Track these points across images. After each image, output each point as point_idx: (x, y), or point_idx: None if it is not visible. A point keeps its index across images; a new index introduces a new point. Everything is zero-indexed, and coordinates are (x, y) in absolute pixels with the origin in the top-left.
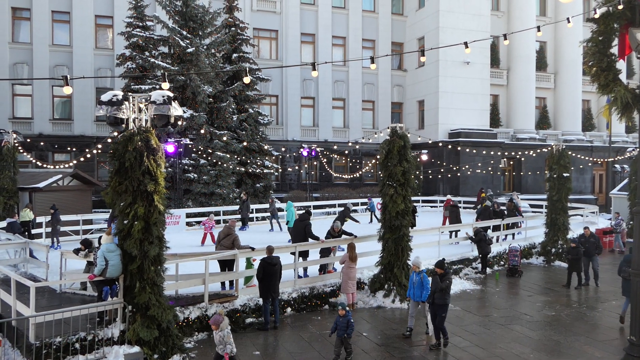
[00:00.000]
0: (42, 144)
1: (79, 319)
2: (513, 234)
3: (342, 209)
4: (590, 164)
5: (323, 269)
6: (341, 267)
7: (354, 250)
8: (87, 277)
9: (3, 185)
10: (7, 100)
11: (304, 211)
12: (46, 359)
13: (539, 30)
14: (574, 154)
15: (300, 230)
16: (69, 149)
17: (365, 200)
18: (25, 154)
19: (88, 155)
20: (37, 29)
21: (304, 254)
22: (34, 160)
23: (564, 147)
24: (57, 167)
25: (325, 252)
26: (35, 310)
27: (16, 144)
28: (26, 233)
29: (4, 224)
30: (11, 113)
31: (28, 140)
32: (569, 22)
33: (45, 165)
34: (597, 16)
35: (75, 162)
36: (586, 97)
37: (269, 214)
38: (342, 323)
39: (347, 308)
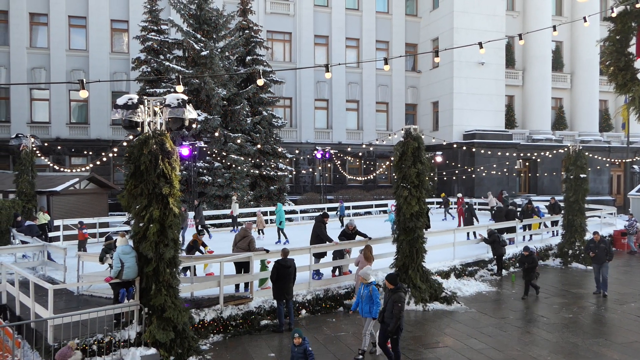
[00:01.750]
0: (59, 147)
1: (96, 321)
2: (531, 235)
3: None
4: (607, 165)
5: (337, 270)
6: (356, 270)
7: (371, 251)
8: (104, 279)
9: (21, 189)
10: (25, 104)
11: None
12: None
13: (554, 30)
14: (591, 155)
15: (314, 231)
16: (85, 152)
17: (381, 202)
18: (42, 157)
19: (104, 159)
20: (54, 34)
21: (319, 255)
22: (51, 164)
23: (580, 147)
24: (74, 170)
25: (337, 254)
26: (53, 313)
27: (34, 148)
28: (43, 236)
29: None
30: (29, 117)
31: (46, 144)
32: (585, 21)
33: (62, 169)
34: (614, 15)
35: (91, 165)
36: (603, 97)
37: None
38: (298, 353)
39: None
